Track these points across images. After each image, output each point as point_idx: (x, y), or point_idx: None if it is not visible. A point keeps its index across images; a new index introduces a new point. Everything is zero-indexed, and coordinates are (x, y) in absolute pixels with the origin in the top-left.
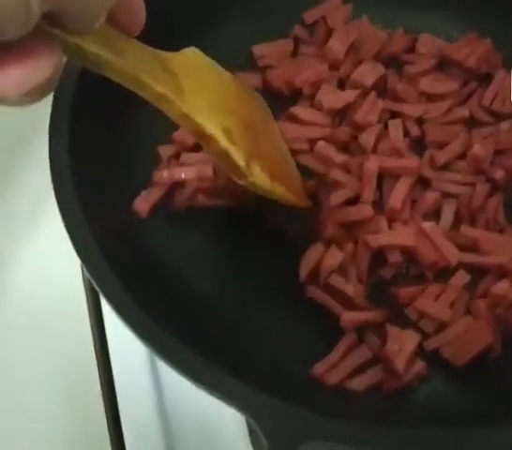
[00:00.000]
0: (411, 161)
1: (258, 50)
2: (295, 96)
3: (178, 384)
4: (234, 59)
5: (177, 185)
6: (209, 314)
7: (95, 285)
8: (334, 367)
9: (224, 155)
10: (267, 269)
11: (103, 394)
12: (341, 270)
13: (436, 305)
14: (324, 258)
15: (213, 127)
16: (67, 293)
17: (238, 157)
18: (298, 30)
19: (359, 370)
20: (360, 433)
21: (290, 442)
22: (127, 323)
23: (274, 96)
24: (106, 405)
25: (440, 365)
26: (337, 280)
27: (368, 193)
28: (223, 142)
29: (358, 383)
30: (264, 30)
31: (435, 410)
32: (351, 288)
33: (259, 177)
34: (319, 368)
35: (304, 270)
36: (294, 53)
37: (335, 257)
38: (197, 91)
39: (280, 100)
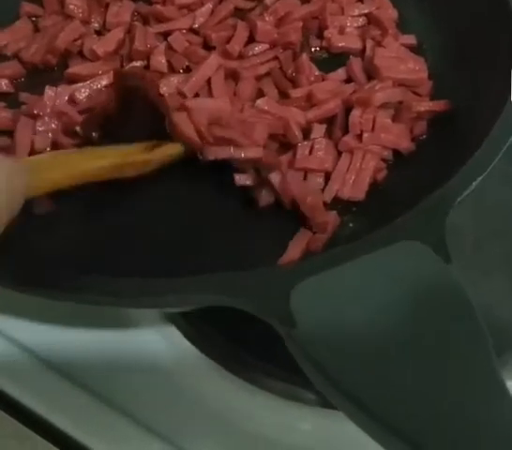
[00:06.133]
0: (211, 60)
1: None
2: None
3: None
4: None
5: None
6: None
7: None
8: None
9: None
10: None
11: None
12: None
13: (314, 158)
14: None
15: None
16: None
17: None
18: (27, 7)
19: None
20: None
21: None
22: None
23: (35, 73)
24: None
25: (345, 209)
26: None
27: None
28: None
29: (292, 254)
30: None
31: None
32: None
33: None
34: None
35: None
36: (37, 31)
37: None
38: None
39: (43, 76)
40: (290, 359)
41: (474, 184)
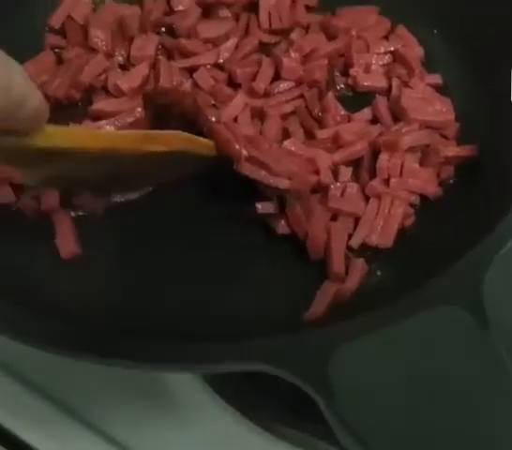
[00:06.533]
0: (237, 99)
1: None
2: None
3: None
4: None
5: None
6: None
7: None
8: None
9: None
10: None
11: None
12: None
13: (346, 201)
14: None
15: None
16: None
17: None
18: (51, 38)
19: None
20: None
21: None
22: None
23: (58, 108)
24: None
25: (371, 257)
26: None
27: None
28: None
29: (319, 306)
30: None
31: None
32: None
33: None
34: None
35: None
36: (60, 62)
37: None
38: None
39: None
40: (313, 411)
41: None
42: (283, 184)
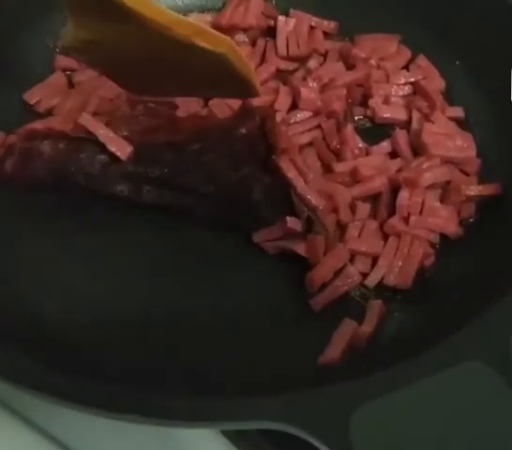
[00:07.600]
0: None
1: (30, 95)
2: None
3: None
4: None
5: None
6: None
7: None
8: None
9: None
10: None
11: None
12: None
13: (364, 241)
14: None
15: None
16: None
17: None
18: (62, 60)
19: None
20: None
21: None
22: None
23: None
24: None
25: (389, 297)
26: None
27: None
28: None
29: (335, 350)
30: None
31: (403, 339)
32: None
33: None
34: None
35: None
36: (71, 85)
37: None
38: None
39: None
40: None
41: None
42: (317, 200)
